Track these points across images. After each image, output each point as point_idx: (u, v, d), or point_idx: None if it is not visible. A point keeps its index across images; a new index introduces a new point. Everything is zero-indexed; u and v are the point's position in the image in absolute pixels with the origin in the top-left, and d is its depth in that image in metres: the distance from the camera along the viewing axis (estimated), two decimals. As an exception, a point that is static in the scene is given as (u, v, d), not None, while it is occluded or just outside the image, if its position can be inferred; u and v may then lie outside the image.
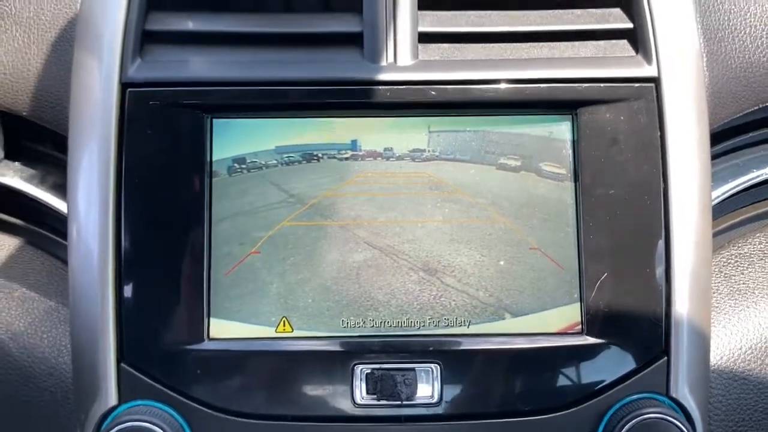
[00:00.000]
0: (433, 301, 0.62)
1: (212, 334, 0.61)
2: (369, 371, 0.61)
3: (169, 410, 0.61)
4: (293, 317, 0.62)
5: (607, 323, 0.62)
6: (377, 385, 0.61)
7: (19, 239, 0.75)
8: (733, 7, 0.75)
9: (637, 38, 0.64)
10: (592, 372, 0.62)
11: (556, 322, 0.62)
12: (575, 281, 0.63)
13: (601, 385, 0.62)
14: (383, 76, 0.62)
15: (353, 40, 0.63)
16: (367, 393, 0.61)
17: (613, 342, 0.62)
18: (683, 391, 0.62)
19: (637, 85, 0.63)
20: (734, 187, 0.76)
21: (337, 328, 0.62)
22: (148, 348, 0.61)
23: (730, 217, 0.78)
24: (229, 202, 0.62)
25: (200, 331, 0.61)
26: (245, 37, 0.63)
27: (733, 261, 0.74)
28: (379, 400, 0.61)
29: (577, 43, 0.65)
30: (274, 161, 0.63)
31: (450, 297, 0.62)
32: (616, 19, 0.64)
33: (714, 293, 0.71)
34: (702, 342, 0.63)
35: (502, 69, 0.63)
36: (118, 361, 0.61)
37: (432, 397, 0.61)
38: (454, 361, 0.61)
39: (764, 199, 0.79)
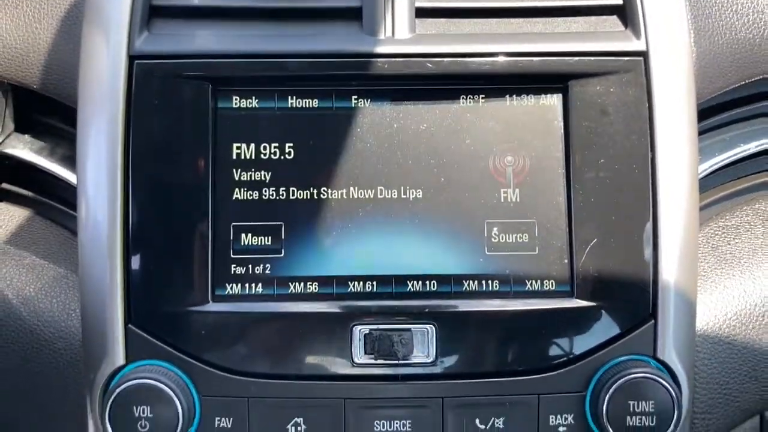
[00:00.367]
0: (429, 264, 0.65)
1: (215, 297, 0.64)
2: (367, 332, 0.63)
3: (174, 369, 0.63)
4: (294, 280, 0.65)
5: (596, 287, 0.64)
6: (375, 345, 0.63)
7: (28, 210, 0.77)
8: None
9: (626, 13, 0.67)
10: (582, 334, 0.64)
11: (547, 285, 0.65)
12: (565, 247, 0.65)
13: (590, 347, 0.64)
14: (381, 49, 0.64)
15: (353, 14, 0.66)
16: (365, 353, 0.63)
17: (602, 305, 0.64)
18: (670, 353, 0.65)
19: (626, 58, 0.66)
20: (721, 161, 0.78)
21: (337, 288, 0.64)
22: (155, 310, 0.64)
23: (717, 191, 0.81)
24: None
25: (204, 294, 0.64)
26: (249, 12, 0.66)
27: (720, 233, 0.77)
28: (376, 359, 0.63)
29: (569, 19, 0.68)
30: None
31: (445, 259, 0.65)
32: None
33: (701, 263, 0.74)
34: (688, 307, 0.66)
35: (497, 42, 0.65)
36: (126, 322, 0.64)
37: (428, 356, 0.63)
38: (449, 322, 0.64)
39: (750, 174, 0.81)
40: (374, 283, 0.65)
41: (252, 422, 0.63)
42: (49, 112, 0.79)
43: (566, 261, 0.65)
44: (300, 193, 0.65)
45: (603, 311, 0.64)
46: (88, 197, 0.65)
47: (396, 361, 0.63)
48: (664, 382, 0.62)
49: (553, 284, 0.65)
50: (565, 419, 0.64)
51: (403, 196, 0.65)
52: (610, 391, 0.62)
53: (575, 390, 0.64)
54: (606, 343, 0.64)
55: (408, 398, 0.63)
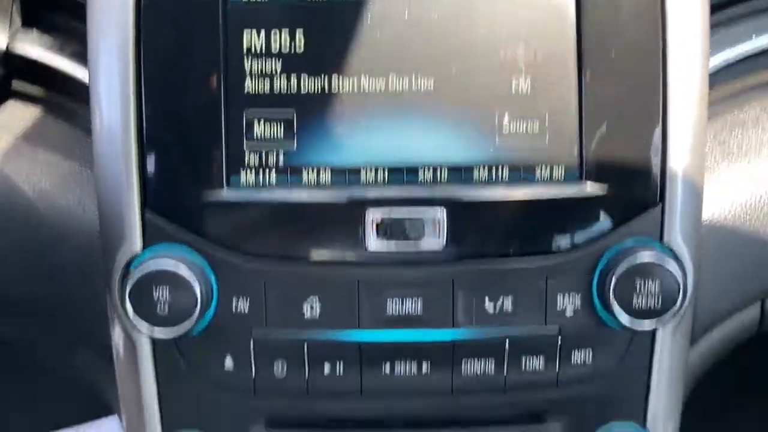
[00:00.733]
0: (440, 152, 0.65)
1: (231, 184, 0.65)
2: (379, 218, 0.64)
3: (191, 253, 0.65)
4: (307, 168, 0.65)
5: (605, 173, 0.65)
6: (387, 230, 0.64)
7: (39, 108, 0.77)
8: None
9: None
10: (591, 218, 0.66)
11: (556, 172, 0.66)
12: (575, 135, 0.66)
13: (598, 231, 0.66)
14: None
15: None
16: (378, 238, 0.65)
17: (610, 190, 0.65)
18: (676, 238, 0.66)
19: None
20: (733, 56, 0.78)
21: (350, 176, 0.65)
22: (171, 195, 0.65)
23: (728, 86, 0.81)
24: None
25: (219, 181, 0.64)
26: None
27: (728, 127, 0.77)
28: (388, 244, 0.64)
29: None
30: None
31: (456, 148, 0.65)
32: None
33: (708, 157, 0.75)
34: (695, 194, 0.67)
35: None
36: (143, 208, 0.65)
37: (438, 240, 0.65)
38: (459, 207, 0.65)
39: (762, 69, 0.81)
40: (386, 171, 0.66)
41: (269, 303, 0.66)
42: (56, 6, 0.79)
43: (576, 148, 0.65)
44: (311, 82, 0.65)
45: (611, 196, 0.65)
46: (101, 91, 0.65)
47: (407, 245, 0.65)
48: (669, 265, 0.64)
49: (563, 171, 0.66)
50: (573, 300, 0.66)
51: (414, 85, 0.65)
52: (618, 272, 0.64)
53: (583, 272, 0.66)
54: (614, 228, 0.66)
55: (419, 280, 0.65)
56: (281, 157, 0.65)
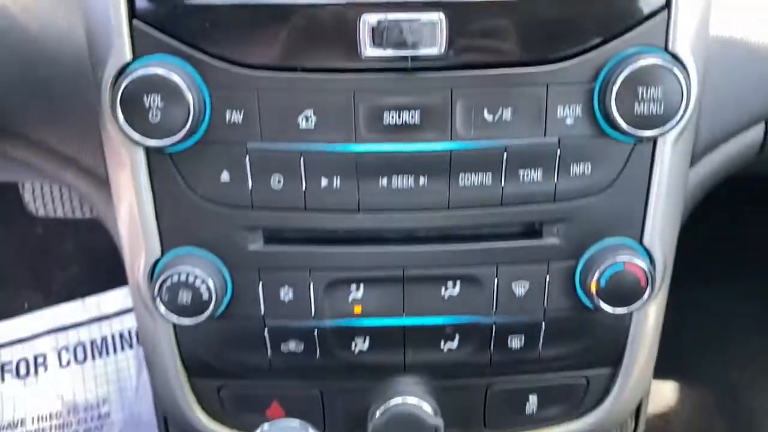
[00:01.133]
0: None
1: None
2: (375, 22, 0.62)
3: (182, 63, 0.63)
4: None
5: None
6: (384, 35, 0.62)
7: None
8: None
9: None
10: (593, 24, 0.63)
11: None
12: None
13: (601, 38, 0.63)
14: None
15: None
16: (374, 44, 0.62)
17: None
18: (682, 45, 0.64)
19: None
20: None
21: None
22: (158, 3, 0.62)
23: None
24: None
25: None
26: None
27: None
28: (385, 50, 0.62)
29: None
30: None
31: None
32: None
33: None
34: (702, 1, 0.65)
35: None
36: (131, 18, 0.63)
37: (437, 47, 0.62)
38: (459, 11, 0.62)
39: None
40: None
41: (263, 115, 0.64)
42: None
43: None
44: None
45: (616, 1, 0.63)
46: None
47: (405, 52, 0.63)
48: (673, 69, 0.62)
49: None
50: (573, 110, 0.65)
51: None
52: (620, 78, 0.62)
53: (585, 81, 0.64)
54: (618, 35, 0.63)
55: (417, 88, 0.64)
56: None
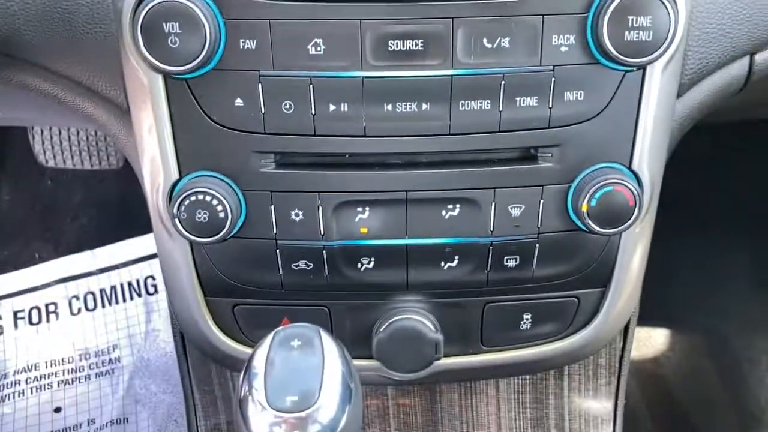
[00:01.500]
0: None
1: None
2: None
3: None
4: None
5: None
6: None
7: None
8: None
9: None
10: None
11: None
12: None
13: None
14: None
15: None
16: None
17: None
18: None
19: None
20: None
21: None
22: None
23: None
24: None
25: None
26: None
27: None
28: None
29: None
30: None
31: None
32: None
33: None
34: None
35: None
36: None
37: None
38: None
39: None
40: None
41: (275, 43, 0.68)
42: None
43: None
44: None
45: None
46: None
47: None
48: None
49: None
50: (567, 39, 0.69)
51: None
52: (611, 8, 0.66)
53: (577, 11, 0.68)
54: None
55: (420, 18, 0.67)
56: None
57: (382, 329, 0.79)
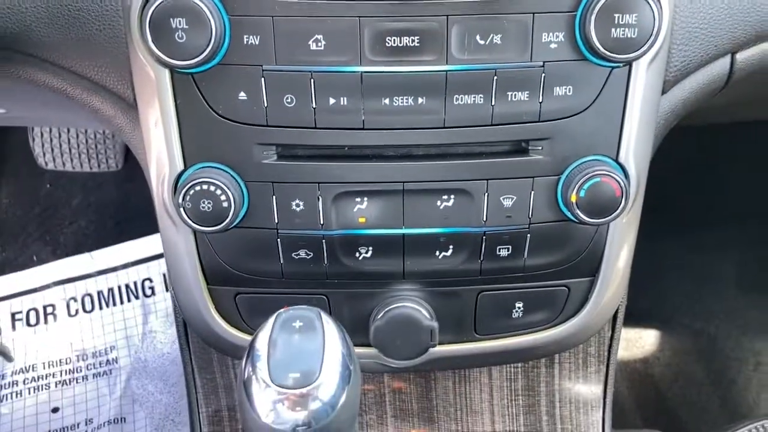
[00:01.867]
0: None
1: None
2: None
3: None
4: None
5: None
6: None
7: None
8: None
9: None
10: None
11: None
12: None
13: None
14: None
15: None
16: None
17: None
18: None
19: None
20: None
21: None
22: None
23: None
24: None
25: None
26: None
27: None
28: None
29: None
30: None
31: None
32: None
33: None
34: None
35: None
36: None
37: None
38: None
39: None
40: None
41: (277, 39, 0.71)
42: None
43: None
44: None
45: None
46: None
47: None
48: (648, -1, 0.70)
49: None
50: (556, 36, 0.72)
51: None
52: (598, 6, 0.70)
53: (566, 10, 0.72)
54: None
55: (417, 15, 0.70)
56: None
57: (379, 317, 0.81)
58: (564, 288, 0.85)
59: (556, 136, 0.76)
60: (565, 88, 0.74)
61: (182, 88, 0.74)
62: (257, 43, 0.72)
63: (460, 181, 0.77)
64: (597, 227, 0.81)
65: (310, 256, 0.80)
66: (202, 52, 0.70)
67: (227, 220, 0.76)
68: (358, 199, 0.78)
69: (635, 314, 1.03)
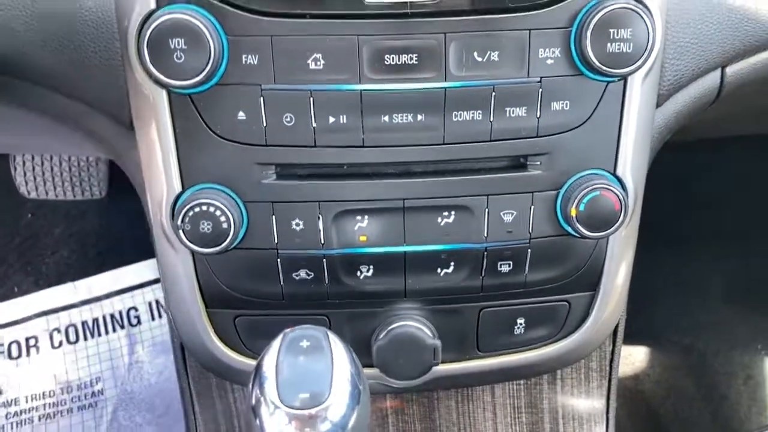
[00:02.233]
0: None
1: None
2: None
3: (202, 11, 0.69)
4: None
5: None
6: None
7: None
8: None
9: None
10: None
11: None
12: None
13: None
14: None
15: None
16: None
17: None
18: None
19: None
20: None
21: None
22: None
23: None
24: None
25: None
26: None
27: None
28: None
29: None
30: None
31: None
32: None
33: None
34: None
35: None
36: None
37: None
38: None
39: None
40: None
41: (276, 58, 0.71)
42: None
43: None
44: None
45: None
46: None
47: None
48: (641, 13, 0.71)
49: None
50: (553, 52, 0.73)
51: None
52: (593, 22, 0.71)
53: (562, 26, 0.73)
54: None
55: (415, 33, 0.71)
56: None
57: (381, 336, 0.80)
58: (565, 303, 0.85)
59: (554, 150, 0.77)
60: (562, 103, 0.75)
61: (180, 108, 0.73)
62: (256, 62, 0.72)
63: (460, 197, 0.77)
64: (597, 241, 0.81)
65: (310, 276, 0.79)
66: (201, 73, 0.70)
67: (227, 242, 0.75)
68: (359, 218, 0.77)
69: (626, 331, 1.03)
